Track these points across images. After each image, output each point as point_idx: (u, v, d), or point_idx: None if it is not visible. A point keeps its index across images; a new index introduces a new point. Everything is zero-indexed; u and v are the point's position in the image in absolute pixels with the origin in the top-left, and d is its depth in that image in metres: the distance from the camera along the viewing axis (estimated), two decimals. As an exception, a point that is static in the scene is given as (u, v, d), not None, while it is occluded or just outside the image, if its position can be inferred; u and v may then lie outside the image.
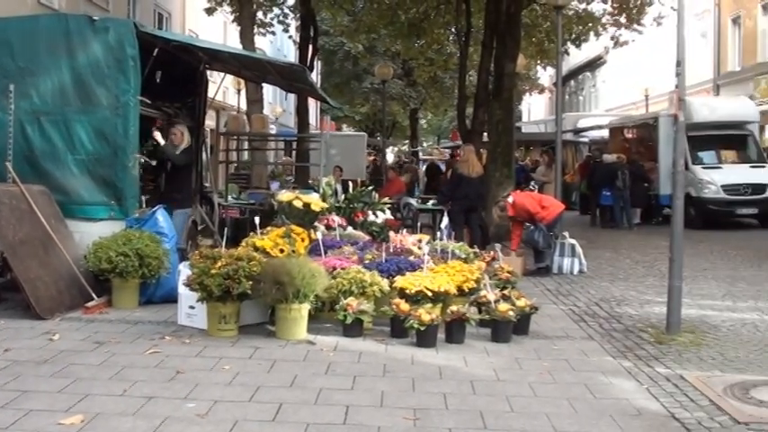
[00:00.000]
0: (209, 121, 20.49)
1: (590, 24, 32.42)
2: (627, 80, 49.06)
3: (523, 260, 15.41)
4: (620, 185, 25.92)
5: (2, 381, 7.40)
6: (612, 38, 33.39)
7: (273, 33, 36.66)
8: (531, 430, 6.45)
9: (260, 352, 8.73)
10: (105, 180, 12.20)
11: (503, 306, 9.64)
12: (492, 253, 13.13)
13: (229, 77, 25.37)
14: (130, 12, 30.62)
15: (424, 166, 41.10)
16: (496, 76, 21.95)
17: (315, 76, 39.40)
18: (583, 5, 31.63)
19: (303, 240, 11.50)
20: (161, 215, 11.89)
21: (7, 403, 6.73)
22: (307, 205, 12.45)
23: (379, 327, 9.80)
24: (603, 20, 32.53)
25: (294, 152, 30.07)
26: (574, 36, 33.13)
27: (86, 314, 10.53)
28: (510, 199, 15.84)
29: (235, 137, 21.15)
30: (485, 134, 24.39)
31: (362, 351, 8.88)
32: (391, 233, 13.02)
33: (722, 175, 25.53)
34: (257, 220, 11.62)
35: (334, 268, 10.35)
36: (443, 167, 36.07)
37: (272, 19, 34.54)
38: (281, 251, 10.90)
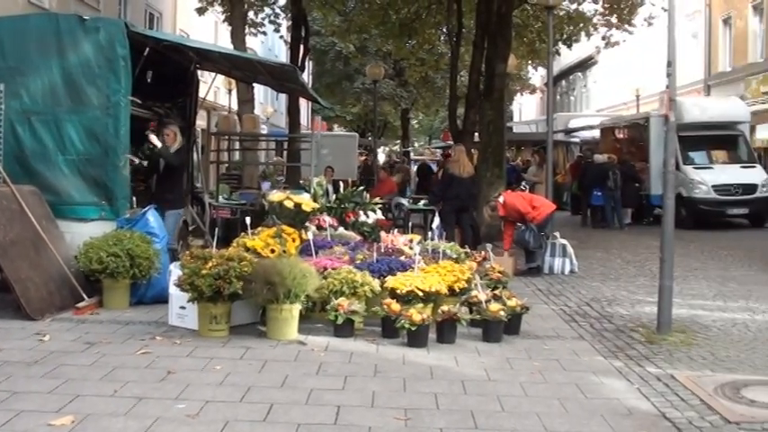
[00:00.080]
0: (200, 122, 20.46)
1: (581, 24, 32.42)
2: (618, 80, 49.08)
3: (514, 260, 15.42)
4: (611, 186, 25.96)
5: (-8, 381, 7.40)
6: (603, 38, 33.42)
7: (264, 33, 36.62)
8: (522, 430, 6.46)
9: (251, 352, 8.73)
10: (96, 180, 12.17)
11: (494, 306, 9.64)
12: (483, 253, 13.13)
13: (220, 77, 25.35)
14: (121, 11, 30.57)
15: (416, 167, 41.12)
16: (487, 76, 21.98)
17: (306, 77, 39.36)
18: (574, 6, 31.64)
19: (294, 241, 11.50)
20: (152, 215, 11.88)
21: (-3, 404, 6.72)
22: (298, 205, 12.44)
23: (371, 327, 9.79)
24: (594, 20, 32.54)
25: (285, 152, 30.03)
26: (565, 36, 33.14)
27: (77, 315, 10.51)
28: (501, 199, 15.85)
29: (226, 137, 21.15)
30: (476, 134, 24.38)
31: (353, 351, 8.88)
32: (382, 233, 13.02)
33: (713, 176, 25.59)
34: (248, 220, 11.60)
35: (326, 268, 10.35)
36: (435, 168, 36.10)
37: (263, 19, 34.53)
38: (272, 251, 10.89)
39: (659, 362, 8.70)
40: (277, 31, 37.05)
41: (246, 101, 26.37)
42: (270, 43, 50.48)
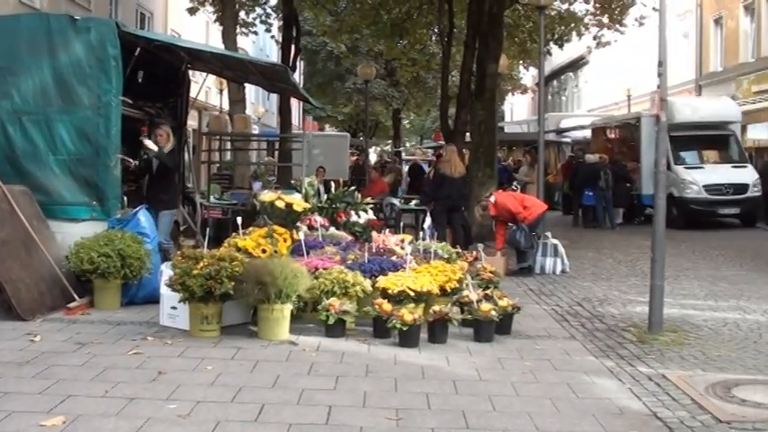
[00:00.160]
0: (192, 122, 20.42)
1: (572, 24, 32.45)
2: (609, 80, 49.11)
3: (506, 260, 15.43)
4: (603, 185, 25.99)
5: (-17, 382, 7.38)
6: (595, 38, 33.44)
7: (256, 33, 36.63)
8: (513, 430, 6.46)
9: (242, 352, 8.72)
10: (87, 180, 12.14)
11: (485, 306, 9.65)
12: (474, 253, 13.13)
13: (212, 77, 25.33)
14: (112, 11, 30.54)
15: (407, 167, 41.12)
16: (479, 76, 22.01)
17: (297, 77, 39.40)
18: (565, 6, 31.65)
19: (285, 241, 11.50)
20: (143, 215, 11.86)
21: (-12, 405, 6.71)
22: (289, 205, 12.44)
23: (362, 327, 9.79)
24: (586, 20, 32.56)
25: (276, 152, 30.05)
26: (556, 36, 33.15)
27: (68, 315, 10.49)
28: (492, 198, 15.85)
29: (217, 137, 21.17)
30: (467, 134, 24.40)
31: (345, 351, 8.88)
32: (374, 233, 13.02)
33: (704, 175, 25.64)
34: (239, 220, 11.60)
35: (317, 268, 10.34)
36: (426, 168, 36.10)
37: (254, 19, 34.52)
38: (264, 251, 10.88)
39: (650, 361, 8.72)
40: (268, 30, 37.05)
41: (238, 101, 26.35)
42: (261, 43, 50.47)
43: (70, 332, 9.57)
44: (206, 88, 32.58)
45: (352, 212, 13.86)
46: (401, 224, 17.88)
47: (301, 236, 11.55)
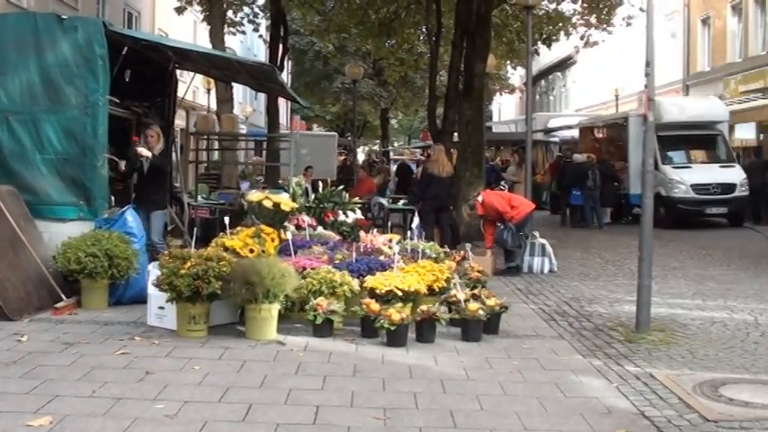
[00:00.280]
0: (179, 121, 20.34)
1: (560, 24, 32.43)
2: (597, 80, 49.22)
3: (494, 259, 15.45)
4: (591, 185, 26.05)
5: (-31, 382, 7.35)
6: (582, 38, 33.44)
7: (243, 33, 36.56)
8: (500, 429, 6.46)
9: (230, 352, 8.71)
10: (74, 180, 12.11)
11: (473, 305, 9.66)
12: (462, 252, 13.13)
13: (199, 77, 25.30)
14: (100, 11, 30.46)
15: (395, 166, 41.12)
16: (467, 76, 22.00)
17: (285, 76, 39.33)
18: (553, 5, 31.67)
19: (273, 240, 11.47)
20: (130, 215, 11.85)
21: (-26, 405, 6.68)
22: (276, 205, 12.41)
23: (350, 327, 9.79)
24: (574, 20, 32.57)
25: (264, 152, 30.00)
26: (544, 36, 33.12)
27: (55, 315, 10.47)
28: (480, 198, 15.87)
29: (205, 137, 21.09)
30: (455, 134, 24.41)
31: (333, 351, 8.87)
32: (362, 233, 13.01)
33: (692, 175, 25.72)
34: (227, 220, 11.56)
35: (304, 268, 10.34)
36: (414, 168, 36.11)
37: (242, 18, 34.43)
38: (251, 251, 10.86)
39: (638, 360, 8.73)
40: (256, 30, 36.95)
41: (225, 100, 26.33)
42: (249, 42, 50.40)
43: (57, 332, 9.54)
44: (193, 88, 32.51)
45: (340, 212, 13.86)
46: (389, 224, 17.90)
47: (289, 235, 11.54)
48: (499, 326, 10.07)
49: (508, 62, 41.05)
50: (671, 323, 10.74)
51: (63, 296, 10.89)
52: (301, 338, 9.39)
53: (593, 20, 31.70)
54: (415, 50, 38.55)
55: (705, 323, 10.93)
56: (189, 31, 41.58)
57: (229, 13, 31.63)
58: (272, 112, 30.09)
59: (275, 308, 9.36)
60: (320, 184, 16.00)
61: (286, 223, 12.53)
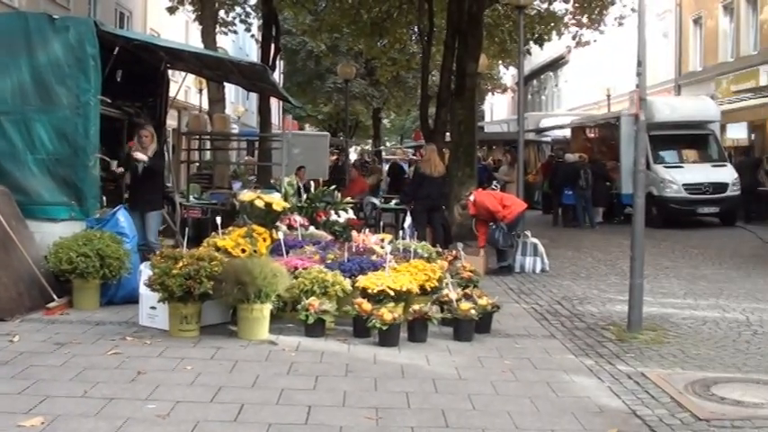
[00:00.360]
0: (171, 121, 20.39)
1: (552, 24, 32.43)
2: (589, 80, 49.20)
3: (485, 259, 15.44)
4: (583, 185, 26.05)
5: (-40, 383, 7.34)
6: (574, 38, 33.46)
7: (236, 32, 36.55)
8: (492, 428, 6.47)
9: (222, 352, 8.71)
10: (66, 180, 12.09)
11: (465, 305, 9.67)
12: (454, 252, 13.14)
13: (191, 77, 25.26)
14: (91, 10, 30.42)
15: (387, 166, 41.10)
16: (459, 75, 22.02)
17: (277, 76, 39.26)
18: (545, 5, 31.67)
19: (265, 240, 11.48)
20: (122, 215, 11.82)
21: (-34, 406, 6.67)
22: (268, 205, 12.40)
23: (342, 326, 9.79)
24: (565, 19, 32.58)
25: (256, 152, 29.98)
26: (536, 36, 33.12)
27: (47, 315, 10.46)
28: (471, 197, 15.87)
29: (197, 137, 21.09)
30: (447, 134, 24.40)
31: (325, 351, 8.88)
32: (354, 233, 13.01)
33: (684, 175, 25.71)
34: (219, 220, 11.57)
35: (296, 268, 10.33)
36: (406, 167, 36.10)
37: (234, 18, 34.40)
38: (243, 251, 10.86)
39: (630, 360, 8.75)
40: (248, 30, 36.95)
41: (217, 100, 26.29)
42: (241, 42, 50.40)
43: (49, 332, 9.53)
44: (185, 88, 32.52)
45: (332, 212, 13.85)
46: (381, 223, 17.89)
47: (281, 235, 11.54)
48: (491, 325, 10.08)
49: (500, 62, 41.04)
50: (663, 322, 10.76)
51: (55, 296, 10.87)
52: (293, 338, 9.39)
53: (584, 20, 31.74)
54: (407, 50, 38.54)
55: (697, 322, 10.96)
56: (181, 30, 41.54)
57: (221, 13, 31.58)
58: (263, 111, 30.06)
59: (267, 308, 9.36)
60: (312, 183, 15.96)
61: (278, 223, 12.53)
